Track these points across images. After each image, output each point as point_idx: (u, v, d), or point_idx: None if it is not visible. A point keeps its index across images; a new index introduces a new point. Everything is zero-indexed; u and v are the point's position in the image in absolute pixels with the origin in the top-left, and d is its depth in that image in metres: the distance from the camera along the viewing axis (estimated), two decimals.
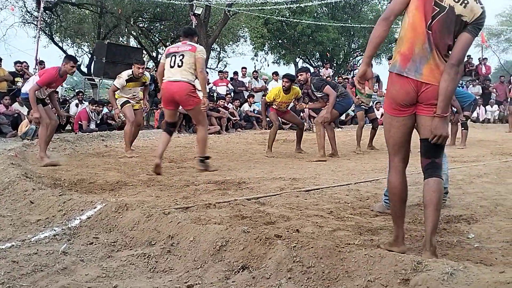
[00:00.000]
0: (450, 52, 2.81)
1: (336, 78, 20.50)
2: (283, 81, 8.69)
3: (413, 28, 2.82)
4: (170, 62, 6.28)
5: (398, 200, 2.97)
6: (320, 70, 21.59)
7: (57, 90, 7.92)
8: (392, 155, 3.01)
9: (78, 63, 7.72)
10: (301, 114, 13.91)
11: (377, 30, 2.88)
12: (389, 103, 2.94)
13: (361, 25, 25.95)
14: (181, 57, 6.23)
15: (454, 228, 3.63)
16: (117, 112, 8.50)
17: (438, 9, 2.76)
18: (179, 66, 6.20)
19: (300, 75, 8.37)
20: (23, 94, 7.12)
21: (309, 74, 8.43)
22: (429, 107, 2.81)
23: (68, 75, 7.13)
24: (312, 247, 2.53)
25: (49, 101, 7.45)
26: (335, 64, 29.46)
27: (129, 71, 8.16)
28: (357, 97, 9.33)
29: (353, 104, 9.57)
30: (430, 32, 2.77)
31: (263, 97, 9.72)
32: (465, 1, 2.74)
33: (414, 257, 2.37)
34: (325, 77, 13.02)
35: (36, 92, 6.77)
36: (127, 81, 8.04)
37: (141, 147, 9.23)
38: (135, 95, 8.33)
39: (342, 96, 8.31)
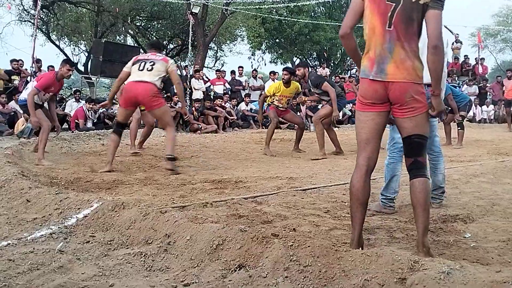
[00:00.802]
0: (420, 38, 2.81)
1: (333, 77, 20.51)
2: (283, 73, 8.72)
3: (373, 31, 2.83)
4: (139, 67, 6.28)
5: (356, 202, 2.90)
6: (317, 69, 21.59)
7: (57, 97, 7.85)
8: (358, 152, 2.97)
9: (74, 66, 7.66)
10: (299, 113, 13.89)
11: (346, 46, 2.96)
12: (359, 100, 2.96)
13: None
14: (151, 63, 6.26)
15: (450, 228, 3.63)
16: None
17: (394, 4, 2.76)
18: (148, 70, 6.21)
19: (298, 70, 8.34)
20: (21, 101, 7.14)
21: (307, 69, 8.38)
22: (402, 108, 2.79)
23: (64, 78, 7.14)
24: (309, 246, 2.52)
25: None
26: (332, 64, 29.50)
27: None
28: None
29: (351, 104, 9.57)
30: (390, 29, 2.76)
31: (263, 92, 9.72)
32: None
33: (411, 256, 2.37)
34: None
35: (35, 97, 6.79)
36: None
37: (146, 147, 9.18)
38: None
39: (339, 96, 8.28)
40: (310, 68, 8.65)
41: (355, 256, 2.42)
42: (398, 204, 4.22)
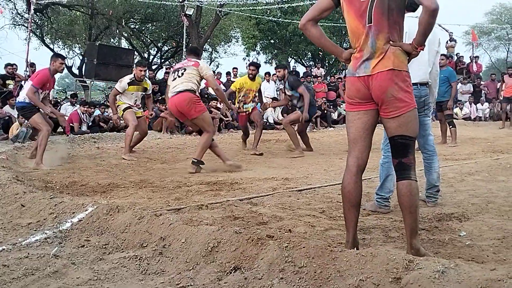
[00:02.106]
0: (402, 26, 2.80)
1: (328, 77, 20.56)
2: (249, 69, 8.89)
3: (353, 32, 2.83)
4: (173, 76, 6.46)
5: (347, 204, 2.88)
6: (312, 69, 21.63)
7: (49, 96, 7.89)
8: (348, 152, 2.95)
9: (65, 58, 7.74)
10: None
11: (308, 36, 2.97)
12: (345, 100, 2.97)
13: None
14: (183, 70, 6.38)
15: (445, 226, 3.64)
16: (115, 118, 8.45)
17: None
18: (179, 77, 6.32)
19: (278, 71, 8.54)
20: (18, 103, 7.13)
21: (286, 71, 8.61)
22: (385, 108, 2.76)
23: (57, 76, 7.16)
24: (304, 247, 2.52)
25: None
26: (326, 64, 29.53)
27: (131, 75, 8.15)
28: None
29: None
30: (371, 25, 2.74)
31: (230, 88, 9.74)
32: None
33: (405, 256, 2.37)
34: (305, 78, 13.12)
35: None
36: (129, 84, 8.02)
37: (138, 150, 9.17)
38: (136, 101, 8.32)
39: (310, 105, 8.44)
40: (289, 70, 8.89)
41: (350, 256, 2.41)
42: (393, 204, 4.21)
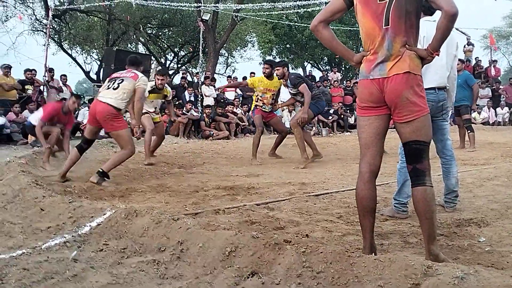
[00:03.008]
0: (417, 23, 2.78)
1: (345, 82, 20.51)
2: (263, 67, 8.58)
3: (368, 34, 2.82)
4: (108, 84, 6.15)
5: (362, 210, 2.87)
6: (328, 74, 21.59)
7: (70, 134, 8.05)
8: (360, 158, 2.94)
9: (81, 98, 7.97)
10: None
11: (320, 38, 2.95)
12: (357, 104, 2.94)
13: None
14: (120, 81, 6.08)
15: (464, 232, 3.60)
16: (134, 124, 8.18)
17: (387, 0, 2.74)
18: (114, 89, 6.01)
19: (277, 69, 8.13)
20: (28, 123, 7.40)
21: (286, 69, 8.16)
22: (399, 112, 2.75)
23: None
24: (321, 252, 2.52)
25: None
26: (343, 68, 29.46)
27: (152, 82, 8.17)
28: None
29: None
30: (387, 27, 2.73)
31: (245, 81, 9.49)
32: None
33: (424, 261, 2.35)
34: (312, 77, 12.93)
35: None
36: (150, 92, 8.04)
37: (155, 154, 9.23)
38: (156, 108, 8.38)
39: (316, 98, 8.07)
40: (289, 68, 8.46)
41: (368, 261, 2.40)
42: (411, 209, 4.18)
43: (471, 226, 3.77)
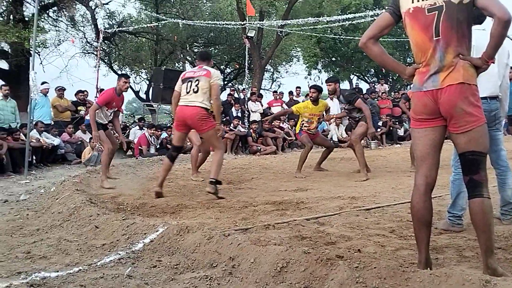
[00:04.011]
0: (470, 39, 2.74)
1: (392, 93, 20.24)
2: (310, 91, 8.57)
3: (420, 46, 2.79)
4: (186, 88, 6.18)
5: (417, 223, 2.82)
6: (375, 86, 21.36)
7: (119, 115, 8.19)
8: (416, 170, 2.90)
9: (129, 77, 8.00)
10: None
11: (369, 55, 2.97)
12: (411, 116, 2.92)
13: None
14: (196, 82, 6.12)
15: None
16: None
17: (436, 12, 2.70)
18: (194, 92, 6.07)
19: (329, 85, 8.06)
20: (87, 120, 7.54)
21: (337, 84, 8.12)
22: (455, 123, 2.70)
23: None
24: (375, 267, 2.48)
25: (111, 126, 7.79)
26: (390, 80, 29.08)
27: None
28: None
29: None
30: (438, 38, 2.69)
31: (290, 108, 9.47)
32: None
33: (482, 276, 2.29)
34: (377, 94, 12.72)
35: (98, 113, 7.24)
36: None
37: (203, 170, 9.34)
38: None
39: (372, 114, 7.99)
40: (340, 83, 8.39)
41: (423, 276, 2.35)
42: (466, 222, 4.07)
43: None
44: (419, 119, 2.82)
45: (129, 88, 8.09)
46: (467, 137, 2.70)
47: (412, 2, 2.78)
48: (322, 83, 28.30)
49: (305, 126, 8.61)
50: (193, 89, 6.10)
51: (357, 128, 8.13)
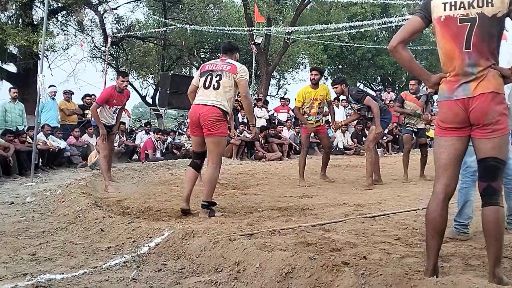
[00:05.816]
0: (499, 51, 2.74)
1: None
2: (312, 74, 8.06)
3: (449, 56, 2.77)
4: (205, 81, 5.28)
5: (431, 230, 2.80)
6: (382, 94, 21.35)
7: (124, 106, 8.20)
8: (436, 178, 2.87)
9: (127, 75, 7.92)
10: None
11: (398, 59, 2.93)
12: (438, 125, 2.89)
13: (423, 48, 25.52)
14: (218, 77, 5.23)
15: None
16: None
17: (469, 23, 2.69)
18: (214, 89, 5.20)
19: (335, 88, 7.86)
20: (93, 121, 7.59)
21: (344, 85, 7.89)
22: (483, 129, 2.69)
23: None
24: (381, 275, 2.47)
25: (113, 122, 7.79)
26: (397, 88, 29.05)
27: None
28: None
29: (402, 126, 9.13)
30: (469, 51, 2.69)
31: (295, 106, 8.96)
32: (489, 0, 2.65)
33: (488, 284, 2.28)
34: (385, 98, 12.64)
35: (101, 112, 7.36)
36: None
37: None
38: None
39: (382, 111, 7.76)
40: (347, 84, 8.07)
41: (429, 284, 2.34)
42: (472, 230, 4.06)
43: None
44: (447, 127, 2.81)
45: (136, 93, 8.14)
46: (492, 144, 2.70)
47: (444, 10, 2.76)
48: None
49: (306, 114, 8.09)
50: (214, 85, 5.21)
51: (368, 134, 8.04)
